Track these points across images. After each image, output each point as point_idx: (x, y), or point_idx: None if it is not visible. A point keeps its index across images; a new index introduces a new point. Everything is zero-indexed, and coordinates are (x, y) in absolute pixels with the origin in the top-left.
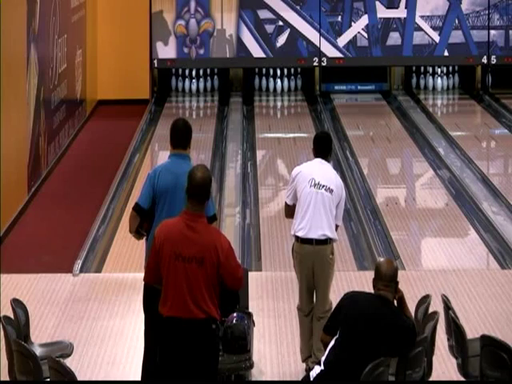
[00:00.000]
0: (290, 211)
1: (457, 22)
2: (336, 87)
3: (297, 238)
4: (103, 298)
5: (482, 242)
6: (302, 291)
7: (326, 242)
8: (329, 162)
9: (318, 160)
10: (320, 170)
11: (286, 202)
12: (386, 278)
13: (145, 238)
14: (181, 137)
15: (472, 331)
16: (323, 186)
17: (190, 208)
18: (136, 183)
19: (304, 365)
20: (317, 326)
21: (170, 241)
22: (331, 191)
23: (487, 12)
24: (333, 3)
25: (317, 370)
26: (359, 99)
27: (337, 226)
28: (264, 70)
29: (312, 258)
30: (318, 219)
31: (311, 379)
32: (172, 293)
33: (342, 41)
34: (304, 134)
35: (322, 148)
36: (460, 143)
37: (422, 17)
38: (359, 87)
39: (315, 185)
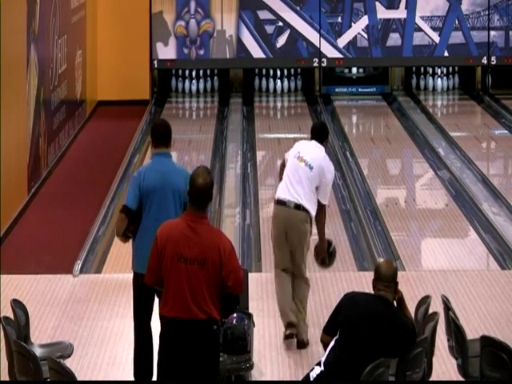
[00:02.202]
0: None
1: (457, 22)
2: (337, 89)
3: (275, 200)
4: (103, 298)
5: (482, 243)
6: (276, 252)
7: (302, 209)
8: (325, 147)
9: (314, 142)
10: (310, 149)
11: (282, 163)
12: (386, 279)
13: (131, 240)
14: (162, 135)
15: (472, 332)
16: (305, 160)
17: (191, 210)
18: None
19: (305, 365)
20: (296, 283)
21: (171, 242)
22: (311, 168)
23: (487, 12)
24: (333, 4)
25: (317, 370)
26: (359, 100)
27: (323, 206)
28: (264, 71)
29: (285, 221)
30: (297, 188)
31: (311, 379)
32: (173, 294)
33: (342, 41)
34: (304, 135)
35: (317, 133)
36: (460, 144)
37: (421, 17)
38: (360, 90)
39: (298, 157)
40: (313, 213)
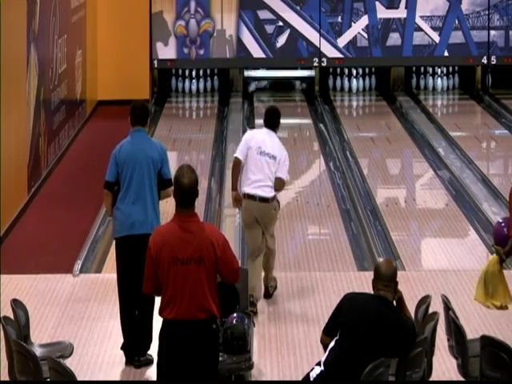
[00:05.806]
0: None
1: (457, 22)
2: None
3: (244, 194)
4: (103, 298)
5: (481, 243)
6: (250, 239)
7: (270, 200)
8: (275, 132)
9: (266, 131)
10: (266, 140)
11: (237, 158)
12: (386, 279)
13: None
14: (139, 115)
15: (472, 332)
16: (268, 154)
17: (180, 211)
18: None
19: (305, 365)
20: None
21: (166, 246)
22: (274, 158)
23: (487, 12)
24: (333, 3)
25: (317, 370)
26: (359, 100)
27: (282, 179)
28: None
29: (257, 213)
30: (263, 180)
31: (311, 379)
32: (172, 296)
33: (342, 41)
34: (305, 135)
35: (270, 122)
36: (460, 143)
37: (421, 17)
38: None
39: (261, 152)
40: (272, 194)
